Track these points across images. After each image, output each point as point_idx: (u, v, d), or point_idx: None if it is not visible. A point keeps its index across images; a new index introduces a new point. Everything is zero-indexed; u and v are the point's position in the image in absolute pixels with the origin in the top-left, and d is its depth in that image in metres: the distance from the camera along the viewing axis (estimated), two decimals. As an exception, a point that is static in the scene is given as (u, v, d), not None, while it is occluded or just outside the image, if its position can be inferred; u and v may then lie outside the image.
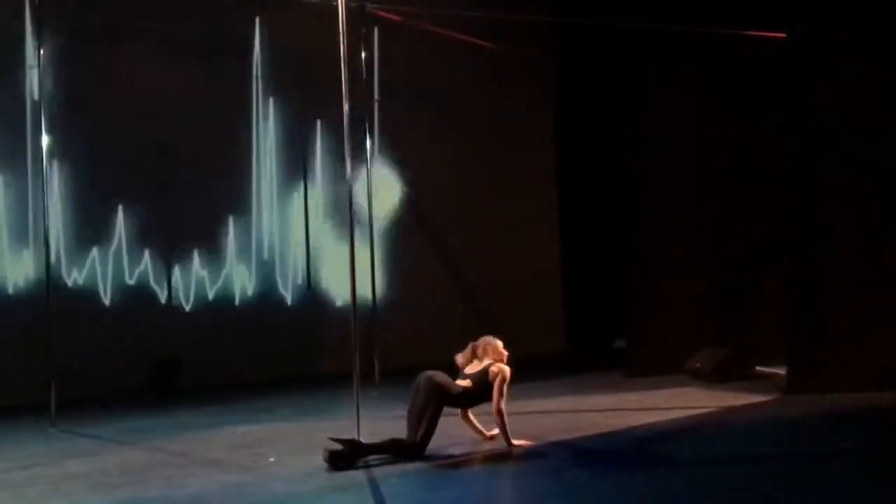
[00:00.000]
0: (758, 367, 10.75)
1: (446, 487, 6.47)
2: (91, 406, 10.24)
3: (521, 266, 13.42)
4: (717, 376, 10.39)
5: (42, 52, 9.66)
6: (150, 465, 7.56)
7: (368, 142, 11.12)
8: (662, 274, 11.18)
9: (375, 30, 10.36)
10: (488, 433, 7.78)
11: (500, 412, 7.46)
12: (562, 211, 14.08)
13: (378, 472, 6.87)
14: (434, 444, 7.35)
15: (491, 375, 7.53)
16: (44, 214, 9.60)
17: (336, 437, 7.18)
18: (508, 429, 7.49)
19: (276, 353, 11.94)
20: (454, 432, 7.72)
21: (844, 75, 9.53)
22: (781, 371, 9.94)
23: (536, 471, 6.80)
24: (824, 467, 6.59)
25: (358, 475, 6.83)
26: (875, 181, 9.55)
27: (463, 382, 7.57)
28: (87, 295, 11.33)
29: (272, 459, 7.42)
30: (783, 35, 9.85)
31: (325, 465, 7.07)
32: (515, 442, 7.49)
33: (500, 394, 7.47)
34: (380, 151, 12.34)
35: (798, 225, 9.72)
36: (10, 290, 10.95)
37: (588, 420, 8.57)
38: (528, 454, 7.29)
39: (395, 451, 7.23)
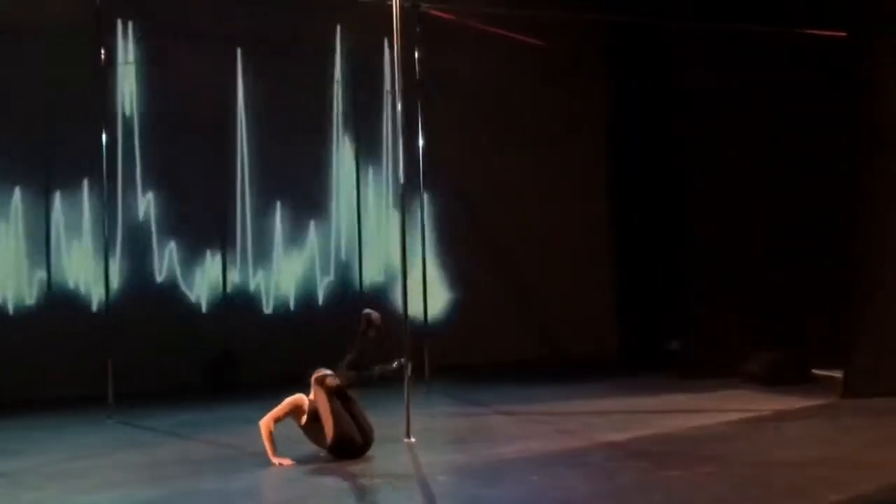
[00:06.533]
0: (814, 370, 10.60)
1: (497, 486, 6.45)
2: (148, 399, 10.40)
3: (573, 267, 13.34)
4: (772, 379, 10.26)
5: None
6: (204, 457, 7.67)
7: (422, 142, 11.12)
8: (719, 276, 11.08)
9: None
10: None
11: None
12: (614, 212, 13.97)
13: (427, 469, 6.89)
14: (484, 442, 7.37)
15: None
16: (102, 208, 9.75)
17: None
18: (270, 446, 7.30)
19: (329, 349, 12.02)
20: (508, 431, 7.71)
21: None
22: (838, 374, 9.80)
23: (587, 471, 6.76)
24: (878, 473, 6.47)
25: (408, 473, 6.86)
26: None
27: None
28: (147, 290, 11.54)
29: (322, 454, 7.47)
30: (844, 34, 9.69)
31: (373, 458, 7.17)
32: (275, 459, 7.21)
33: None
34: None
35: (857, 226, 9.56)
36: (71, 284, 11.20)
37: (640, 421, 8.51)
38: (579, 454, 7.26)
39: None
